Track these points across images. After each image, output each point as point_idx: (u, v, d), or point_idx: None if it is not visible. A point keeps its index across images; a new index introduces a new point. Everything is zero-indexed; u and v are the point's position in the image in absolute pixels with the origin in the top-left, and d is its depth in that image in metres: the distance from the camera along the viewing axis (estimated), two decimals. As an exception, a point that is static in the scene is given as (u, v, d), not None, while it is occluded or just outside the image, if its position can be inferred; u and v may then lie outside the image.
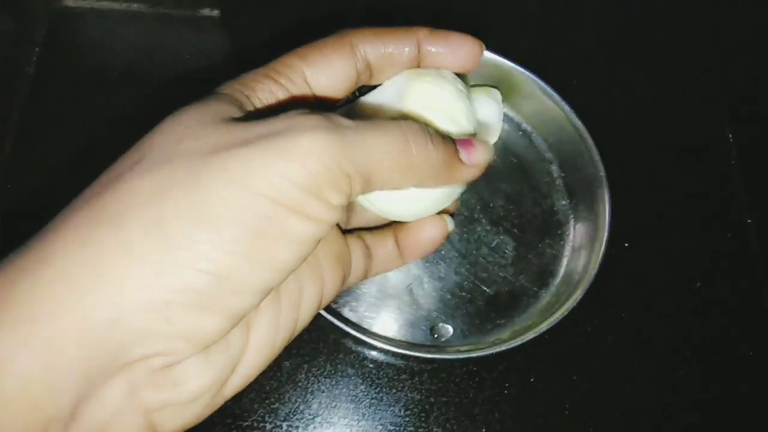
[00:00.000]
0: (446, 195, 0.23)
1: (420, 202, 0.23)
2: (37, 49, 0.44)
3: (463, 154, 0.21)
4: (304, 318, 0.21)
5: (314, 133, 0.17)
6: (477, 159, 0.21)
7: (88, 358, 0.16)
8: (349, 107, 0.25)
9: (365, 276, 0.25)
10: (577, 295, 0.33)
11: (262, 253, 0.17)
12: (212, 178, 0.17)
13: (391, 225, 0.26)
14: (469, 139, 0.22)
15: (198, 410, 0.18)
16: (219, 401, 0.19)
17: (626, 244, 0.40)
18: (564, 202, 0.40)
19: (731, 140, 0.45)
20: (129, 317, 0.16)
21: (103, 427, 0.16)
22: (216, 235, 0.16)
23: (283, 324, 0.20)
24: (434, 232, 0.25)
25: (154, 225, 0.16)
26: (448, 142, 0.21)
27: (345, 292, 0.37)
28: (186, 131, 0.18)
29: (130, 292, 0.16)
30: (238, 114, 0.19)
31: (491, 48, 0.40)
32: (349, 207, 0.26)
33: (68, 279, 0.16)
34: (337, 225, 0.23)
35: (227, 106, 0.19)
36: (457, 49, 0.23)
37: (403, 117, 0.22)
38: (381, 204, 0.23)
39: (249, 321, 0.19)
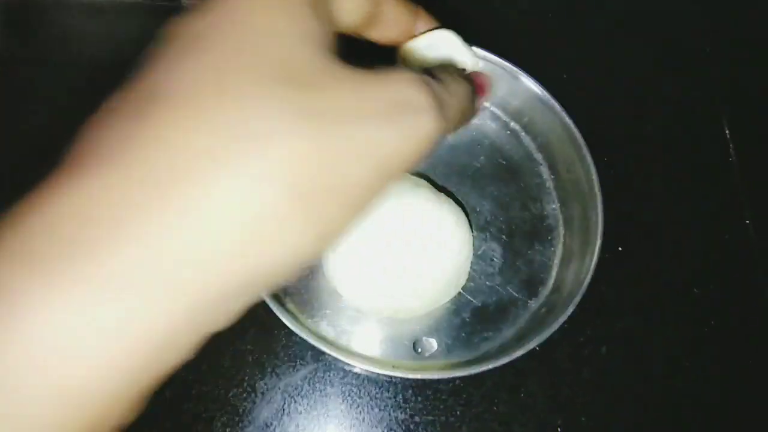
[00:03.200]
0: None
1: None
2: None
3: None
4: None
5: (431, 116, 0.16)
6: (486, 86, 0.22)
7: None
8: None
9: None
10: (570, 309, 0.31)
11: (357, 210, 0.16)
12: (346, 156, 0.15)
13: None
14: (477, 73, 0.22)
15: None
16: None
17: (620, 248, 0.38)
18: (554, 206, 0.38)
19: (729, 139, 0.43)
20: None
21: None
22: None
23: None
24: None
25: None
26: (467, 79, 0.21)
27: (323, 306, 0.35)
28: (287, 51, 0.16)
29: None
30: (329, 35, 0.17)
31: (477, 43, 0.38)
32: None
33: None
34: None
35: (318, 19, 0.17)
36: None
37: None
38: None
39: None
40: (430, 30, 0.24)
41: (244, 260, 0.14)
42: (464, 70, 0.23)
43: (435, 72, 0.19)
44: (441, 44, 0.25)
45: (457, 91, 0.19)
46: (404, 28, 0.22)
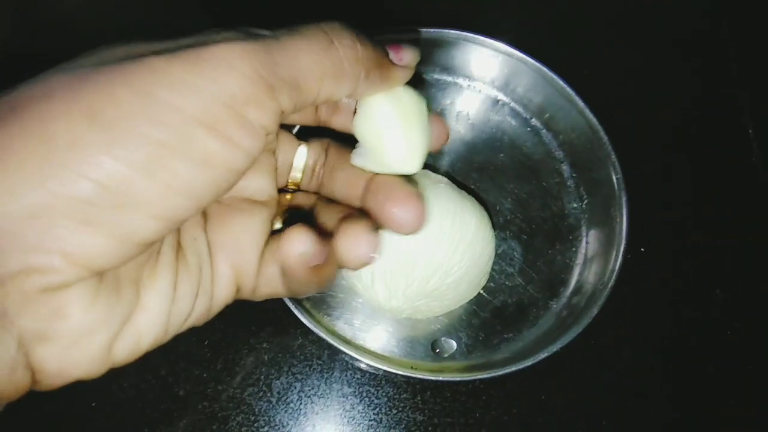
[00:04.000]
0: (421, 142, 0.21)
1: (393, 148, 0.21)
2: None
3: (393, 55, 0.20)
4: (201, 302, 0.19)
5: (230, 42, 0.16)
6: (407, 59, 0.20)
7: None
8: None
9: (279, 294, 0.22)
10: (594, 310, 0.31)
11: (161, 168, 0.15)
12: (112, 81, 0.15)
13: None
14: (397, 44, 0.21)
15: (84, 361, 0.16)
16: (107, 363, 0.17)
17: (642, 249, 0.38)
18: (576, 205, 0.37)
19: (752, 139, 0.42)
20: (2, 223, 0.14)
21: None
22: (107, 136, 0.14)
23: (180, 298, 0.18)
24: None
25: (37, 122, 0.14)
26: (376, 43, 0.19)
27: (339, 304, 0.34)
28: (94, 52, 0.16)
29: (4, 195, 0.14)
30: None
31: (500, 38, 0.37)
32: None
33: None
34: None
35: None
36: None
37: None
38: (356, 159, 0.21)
39: (140, 279, 0.17)
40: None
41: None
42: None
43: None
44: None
45: (312, 34, 0.17)
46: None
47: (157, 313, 0.18)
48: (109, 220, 0.15)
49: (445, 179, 0.33)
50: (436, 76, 0.40)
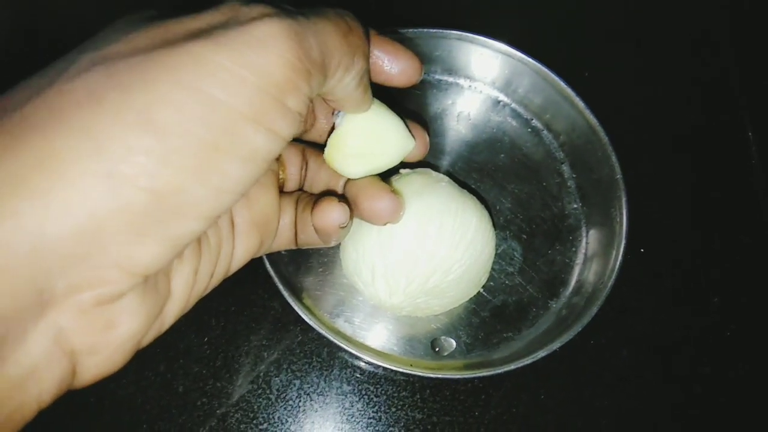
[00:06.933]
0: (398, 150, 0.25)
1: (375, 158, 0.24)
2: None
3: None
4: (216, 278, 0.20)
5: (269, 23, 0.15)
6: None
7: (5, 295, 0.13)
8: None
9: (291, 245, 0.24)
10: (594, 310, 0.31)
11: (212, 170, 0.15)
12: (159, 78, 0.14)
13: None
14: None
15: (119, 359, 0.16)
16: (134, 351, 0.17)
17: (642, 250, 0.38)
18: (576, 206, 0.37)
19: (752, 141, 0.42)
20: (54, 243, 0.13)
21: (25, 376, 0.14)
22: (161, 145, 0.14)
23: (199, 280, 0.19)
24: (388, 204, 0.24)
25: (85, 133, 0.13)
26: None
27: (340, 302, 0.34)
28: (122, 32, 0.15)
29: (55, 213, 0.13)
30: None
31: (501, 38, 0.37)
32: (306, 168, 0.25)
33: None
34: (276, 184, 0.22)
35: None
36: (398, 59, 0.22)
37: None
38: (338, 162, 0.24)
39: (170, 270, 0.17)
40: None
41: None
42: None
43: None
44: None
45: (333, 20, 0.18)
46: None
47: (180, 299, 0.18)
48: (161, 227, 0.15)
49: (446, 178, 0.33)
50: (437, 76, 0.40)
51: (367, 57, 0.19)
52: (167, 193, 0.14)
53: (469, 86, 0.40)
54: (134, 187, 0.14)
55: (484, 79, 0.40)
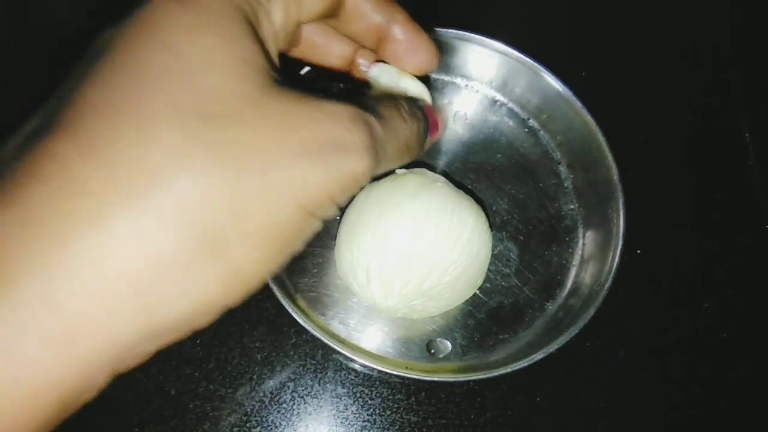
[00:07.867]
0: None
1: None
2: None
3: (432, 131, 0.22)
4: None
5: (363, 157, 0.16)
6: (441, 124, 0.23)
7: None
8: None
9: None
10: (591, 311, 0.30)
11: (274, 264, 0.16)
12: (261, 195, 0.14)
13: None
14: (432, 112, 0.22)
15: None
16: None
17: (638, 251, 0.37)
18: (573, 207, 0.37)
19: (749, 142, 0.42)
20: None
21: None
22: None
23: None
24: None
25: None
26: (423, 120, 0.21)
27: (334, 304, 0.34)
28: (213, 78, 0.14)
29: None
30: (260, 55, 0.15)
31: (498, 38, 0.37)
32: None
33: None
34: None
35: (248, 36, 0.15)
36: (419, 48, 0.22)
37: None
38: None
39: None
40: (376, 63, 0.23)
41: (147, 315, 0.13)
42: (420, 104, 0.22)
43: (381, 106, 0.18)
44: (390, 76, 0.24)
45: (400, 129, 0.18)
46: (370, 23, 0.21)
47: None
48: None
49: (443, 178, 0.33)
50: (433, 75, 0.40)
51: (415, 152, 0.20)
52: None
53: (466, 86, 0.40)
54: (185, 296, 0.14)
55: (481, 78, 0.39)
